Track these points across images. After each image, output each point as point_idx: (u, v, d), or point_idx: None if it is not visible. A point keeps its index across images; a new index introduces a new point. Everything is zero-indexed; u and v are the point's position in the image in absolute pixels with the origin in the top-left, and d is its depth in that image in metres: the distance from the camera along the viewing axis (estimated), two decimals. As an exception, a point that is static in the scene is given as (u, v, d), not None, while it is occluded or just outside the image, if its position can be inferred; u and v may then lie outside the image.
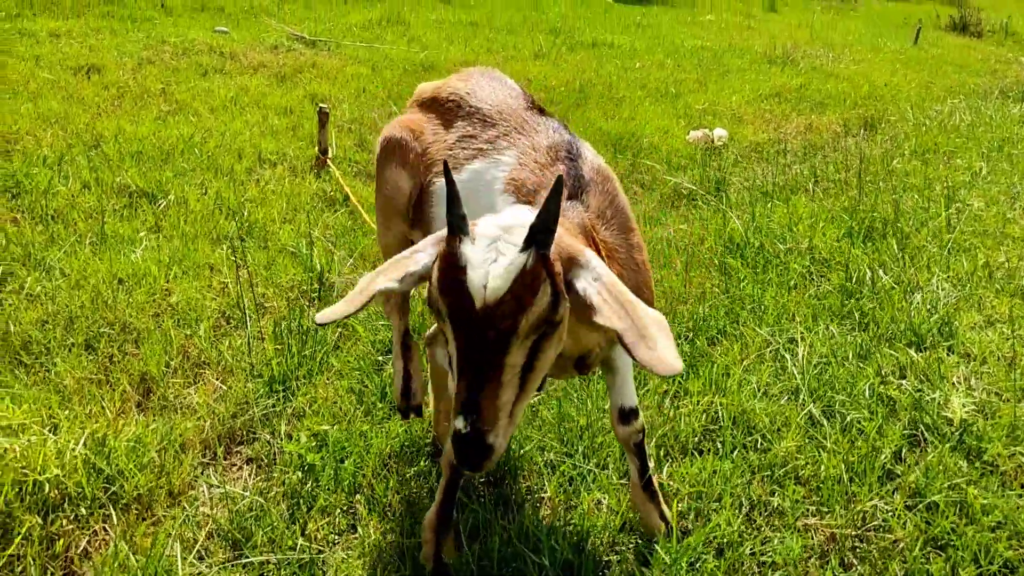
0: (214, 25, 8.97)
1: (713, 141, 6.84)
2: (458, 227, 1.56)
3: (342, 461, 2.56)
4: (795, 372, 2.96)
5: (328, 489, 2.47)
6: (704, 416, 2.77)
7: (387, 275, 1.65)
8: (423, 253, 1.67)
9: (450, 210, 1.56)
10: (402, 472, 2.58)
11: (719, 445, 2.65)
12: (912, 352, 3.09)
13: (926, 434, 2.64)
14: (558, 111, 7.18)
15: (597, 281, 1.60)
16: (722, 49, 10.96)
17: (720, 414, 2.76)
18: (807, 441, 2.66)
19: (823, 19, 15.39)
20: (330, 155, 5.34)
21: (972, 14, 16.45)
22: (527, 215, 1.63)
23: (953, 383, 2.91)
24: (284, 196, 4.70)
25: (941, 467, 2.46)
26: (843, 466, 2.49)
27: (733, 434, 2.68)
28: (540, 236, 1.52)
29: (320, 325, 1.45)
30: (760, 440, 2.67)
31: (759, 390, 2.91)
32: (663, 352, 1.50)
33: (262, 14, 9.64)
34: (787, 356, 3.10)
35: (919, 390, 2.83)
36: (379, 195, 2.51)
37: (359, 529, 2.35)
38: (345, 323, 3.34)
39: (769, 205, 4.85)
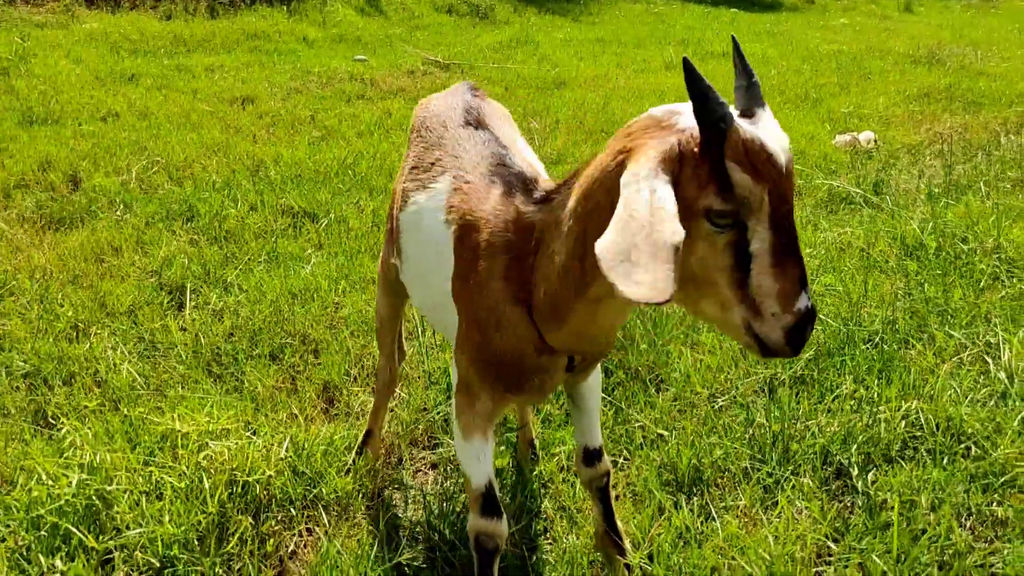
0: (353, 55, 9.30)
1: (862, 144, 6.57)
2: (728, 116, 1.37)
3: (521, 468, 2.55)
4: (1001, 376, 2.76)
5: (511, 493, 2.45)
6: (905, 423, 2.61)
7: (666, 224, 1.32)
8: (662, 189, 1.35)
9: (711, 103, 1.36)
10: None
11: (925, 454, 2.49)
12: None
13: None
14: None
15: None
16: (860, 52, 10.56)
17: (922, 420, 2.59)
18: (1024, 448, 2.47)
19: (963, 18, 14.64)
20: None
21: None
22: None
23: None
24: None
25: None
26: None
27: (941, 441, 2.51)
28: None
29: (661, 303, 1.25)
30: (972, 448, 2.49)
31: (962, 395, 2.72)
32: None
33: (396, 41, 9.94)
34: (988, 360, 2.90)
35: None
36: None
37: (549, 533, 2.33)
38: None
39: (941, 205, 4.59)
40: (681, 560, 2.14)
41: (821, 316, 3.26)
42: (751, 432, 2.63)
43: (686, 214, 1.37)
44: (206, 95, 7.31)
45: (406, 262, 2.09)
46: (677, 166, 1.39)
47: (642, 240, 1.30)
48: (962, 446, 2.51)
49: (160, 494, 2.29)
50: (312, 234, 4.38)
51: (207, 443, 2.42)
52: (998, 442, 2.49)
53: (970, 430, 2.53)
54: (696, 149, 1.38)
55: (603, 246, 1.31)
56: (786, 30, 12.31)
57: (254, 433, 2.59)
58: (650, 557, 2.19)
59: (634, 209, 1.33)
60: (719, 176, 1.36)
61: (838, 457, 2.49)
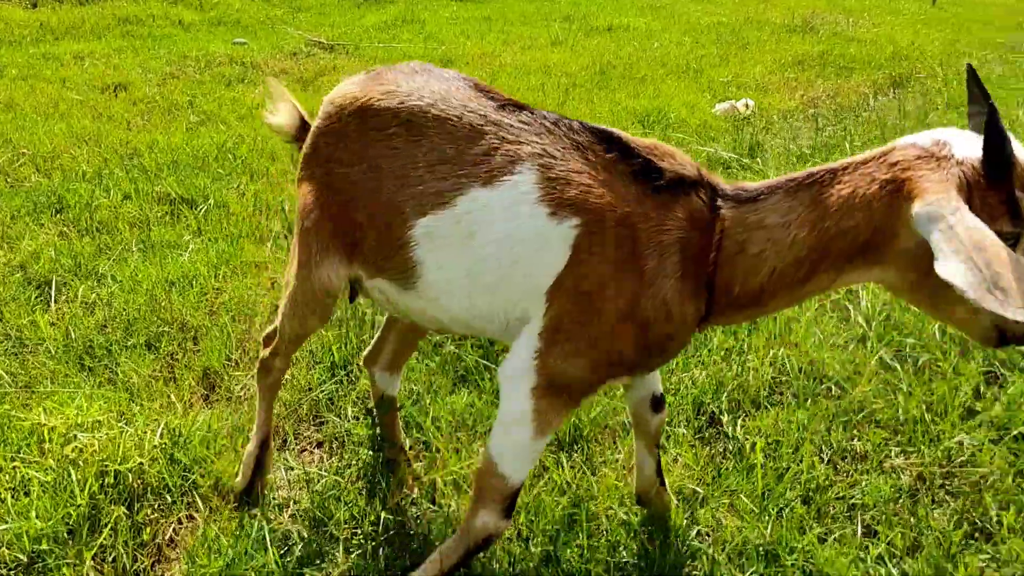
0: (232, 37, 9.03)
1: (740, 111, 6.79)
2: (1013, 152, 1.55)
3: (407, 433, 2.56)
4: (860, 320, 2.92)
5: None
6: (772, 368, 2.74)
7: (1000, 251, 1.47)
8: (982, 223, 1.50)
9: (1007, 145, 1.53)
10: (476, 439, 2.57)
11: (791, 397, 2.62)
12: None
13: (1002, 369, 2.59)
14: (581, 93, 7.16)
15: None
16: (739, 23, 10.87)
17: (788, 365, 2.72)
18: (882, 386, 2.62)
19: (837, -14, 15.21)
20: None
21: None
22: None
23: None
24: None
25: (1023, 399, 2.41)
26: (923, 407, 2.45)
27: (804, 384, 2.65)
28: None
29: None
30: (833, 388, 2.63)
31: (825, 340, 2.87)
32: None
33: (278, 23, 9.70)
34: (849, 306, 3.06)
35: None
36: None
37: (437, 501, 2.35)
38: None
39: (808, 165, 4.78)
40: (562, 512, 2.20)
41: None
42: (629, 389, 2.71)
43: None
44: (75, 84, 6.99)
45: (434, 272, 1.90)
46: (967, 195, 1.54)
47: (1003, 271, 1.44)
48: (824, 387, 2.65)
49: (27, 490, 2.21)
50: (191, 220, 4.26)
51: (76, 436, 2.34)
52: (857, 382, 2.63)
53: (831, 372, 2.67)
54: (981, 179, 1.56)
55: (970, 279, 1.44)
56: (669, 4, 12.56)
57: (127, 423, 2.52)
58: (535, 513, 2.24)
59: (986, 242, 1.47)
60: (1011, 204, 1.55)
61: (710, 406, 2.59)
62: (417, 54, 8.51)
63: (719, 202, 1.76)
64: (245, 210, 4.40)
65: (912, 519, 2.11)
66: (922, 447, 2.32)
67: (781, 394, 2.66)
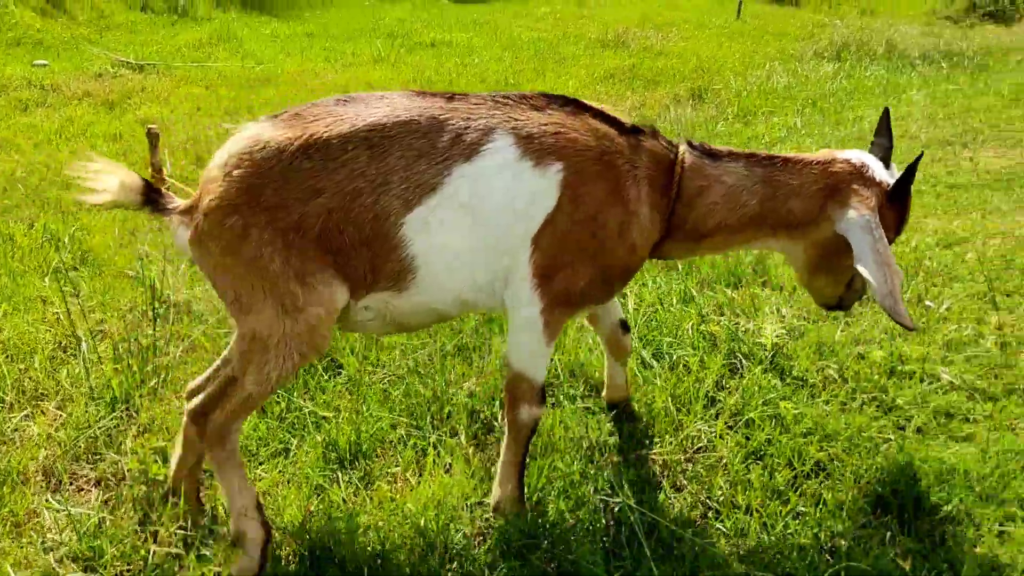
0: (32, 59, 8.56)
1: (553, 125, 7.07)
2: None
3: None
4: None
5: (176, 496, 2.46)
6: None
7: (896, 269, 2.08)
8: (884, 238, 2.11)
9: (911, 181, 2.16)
10: (256, 468, 2.60)
11: (561, 397, 2.80)
12: (729, 291, 3.33)
13: (744, 361, 2.86)
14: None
15: None
16: (557, 38, 11.27)
17: (558, 369, 2.90)
18: (641, 383, 2.84)
19: (653, 2, 16.01)
20: (166, 174, 5.23)
21: (785, -14, 17.43)
22: None
23: (766, 313, 3.16)
24: (119, 221, 4.58)
25: (757, 387, 2.68)
26: (670, 399, 2.68)
27: (572, 385, 2.83)
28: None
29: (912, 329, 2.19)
30: (597, 389, 2.83)
31: (594, 344, 3.07)
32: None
33: (83, 43, 9.27)
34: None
35: (736, 323, 3.06)
36: None
37: (214, 530, 2.36)
38: (189, 335, 3.31)
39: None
40: (340, 528, 2.26)
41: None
42: (412, 402, 2.81)
43: None
44: None
45: (434, 259, 2.09)
46: (878, 210, 2.14)
47: (897, 284, 2.05)
48: (591, 387, 2.84)
49: None
50: (-29, 257, 4.04)
51: None
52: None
53: (596, 373, 2.87)
54: (885, 200, 2.17)
55: (882, 287, 2.04)
56: (492, 20, 12.86)
57: None
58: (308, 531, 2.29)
59: (890, 258, 2.06)
60: (900, 221, 2.22)
61: (485, 413, 2.73)
62: (233, 73, 8.37)
63: (680, 148, 2.20)
64: (33, 243, 4.23)
65: (650, 504, 2.31)
66: (667, 437, 2.54)
67: (553, 395, 2.83)
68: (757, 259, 3.57)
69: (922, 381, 2.75)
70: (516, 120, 2.09)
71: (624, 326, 2.61)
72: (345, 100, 2.14)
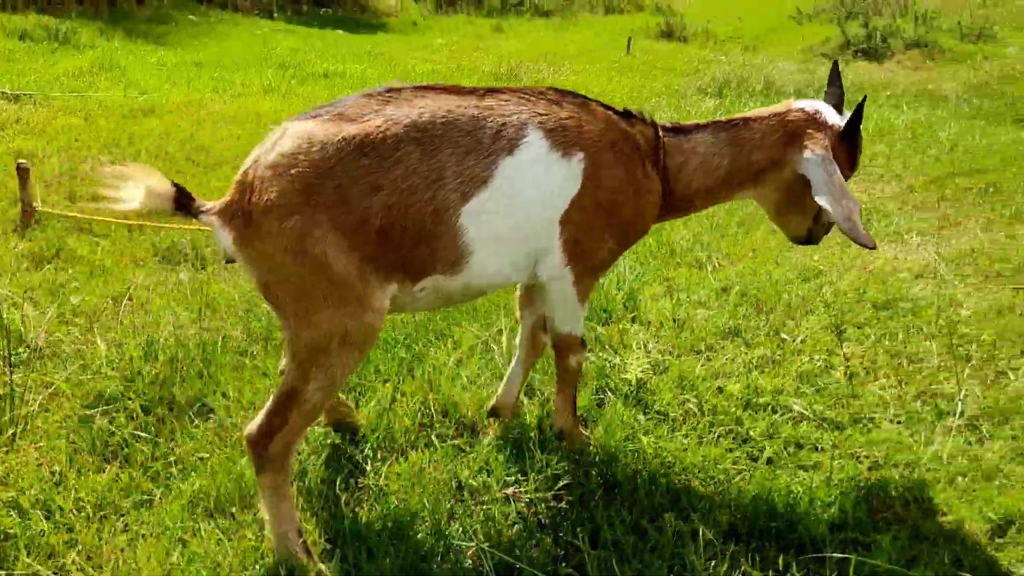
0: None
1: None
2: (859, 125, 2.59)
3: (48, 518, 2.48)
4: (498, 360, 3.20)
5: (30, 550, 2.37)
6: (419, 414, 2.93)
7: (852, 199, 2.45)
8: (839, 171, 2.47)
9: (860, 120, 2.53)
10: (117, 520, 2.53)
11: (434, 438, 2.82)
12: (599, 327, 3.44)
13: (611, 396, 2.96)
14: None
15: None
16: (452, 71, 11.39)
17: (431, 409, 2.93)
18: (513, 420, 2.90)
19: (546, 36, 16.39)
20: (37, 210, 5.04)
21: (677, 21, 18.13)
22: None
23: (633, 348, 3.27)
24: (-23, 261, 4.39)
25: (620, 421, 2.77)
26: (538, 435, 2.74)
27: (445, 425, 2.86)
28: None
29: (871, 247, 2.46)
30: (471, 428, 2.87)
31: (469, 382, 3.12)
32: None
33: (-47, 71, 8.84)
34: (495, 347, 3.34)
35: (604, 359, 3.16)
36: None
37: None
38: (52, 382, 3.20)
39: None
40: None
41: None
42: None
43: None
44: None
45: (485, 246, 2.31)
46: (832, 149, 2.48)
47: (855, 210, 2.40)
48: (463, 427, 2.88)
49: None
50: None
51: None
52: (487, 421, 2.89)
53: (467, 412, 2.91)
54: (837, 140, 2.52)
55: (840, 213, 2.40)
56: (387, 51, 12.89)
57: None
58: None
59: (845, 188, 2.43)
60: (852, 158, 2.59)
61: (356, 456, 2.74)
62: (115, 103, 8.12)
63: (659, 131, 2.56)
64: None
65: (507, 546, 2.36)
66: (532, 474, 2.59)
67: (426, 435, 2.86)
68: (627, 295, 3.70)
69: (775, 412, 2.90)
70: (541, 115, 2.36)
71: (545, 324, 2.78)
72: (385, 98, 2.27)
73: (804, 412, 2.89)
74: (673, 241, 4.47)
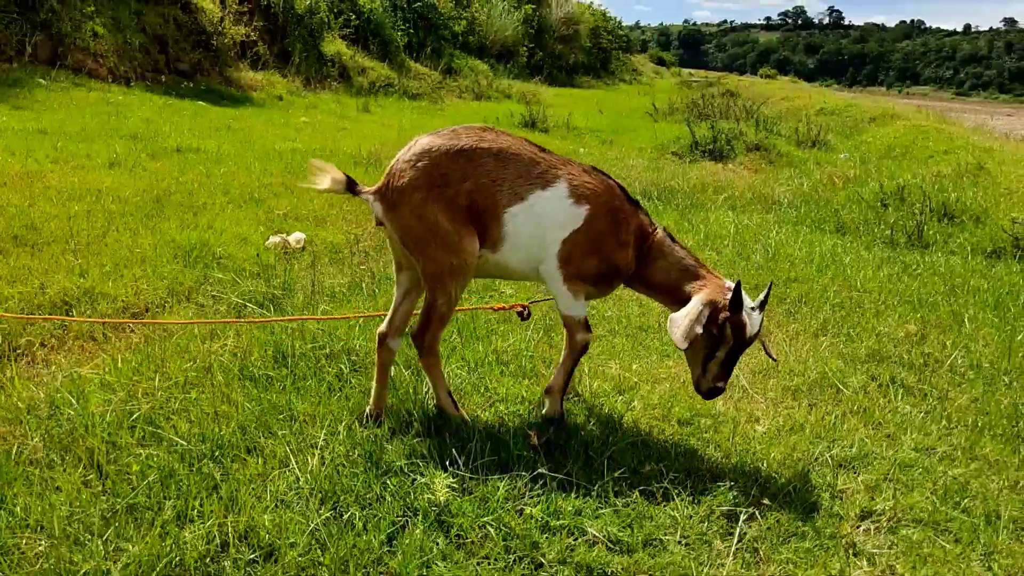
0: None
1: (291, 245, 7.08)
2: (740, 307, 3.50)
3: None
4: (309, 478, 3.17)
5: None
6: (215, 538, 2.85)
7: (699, 325, 3.49)
8: (704, 313, 3.52)
9: (737, 301, 3.49)
10: None
11: (226, 565, 2.75)
12: (418, 440, 3.47)
13: (413, 518, 2.98)
14: (129, 223, 6.97)
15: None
16: (313, 151, 11.38)
17: (229, 533, 2.86)
18: (315, 544, 2.86)
19: (411, 119, 16.69)
20: None
21: (540, 111, 18.85)
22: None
23: (445, 465, 3.32)
24: None
25: (417, 547, 2.79)
26: (337, 562, 2.72)
27: (240, 551, 2.80)
28: (761, 307, 3.60)
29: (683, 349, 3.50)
30: (270, 553, 2.82)
31: (275, 500, 3.07)
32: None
33: None
34: (309, 461, 3.31)
35: (413, 478, 3.18)
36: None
37: None
38: None
39: (326, 308, 5.16)
40: None
41: (172, 437, 3.43)
42: (61, 572, 2.65)
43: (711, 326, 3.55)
44: None
45: (513, 239, 3.58)
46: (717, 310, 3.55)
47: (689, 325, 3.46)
48: (262, 552, 2.82)
49: None
50: None
51: None
52: (292, 542, 2.85)
53: (267, 536, 2.86)
54: (727, 311, 3.52)
55: (674, 332, 3.48)
56: (247, 126, 12.78)
57: None
58: None
59: (694, 325, 3.47)
60: (738, 329, 3.53)
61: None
62: (-60, 172, 7.67)
63: (658, 230, 3.80)
64: None
65: None
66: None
67: (219, 563, 2.78)
68: (438, 414, 3.77)
69: (571, 535, 2.99)
70: (572, 175, 3.62)
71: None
72: (484, 128, 3.63)
73: (598, 535, 2.99)
74: (500, 349, 4.59)
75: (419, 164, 3.42)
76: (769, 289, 3.70)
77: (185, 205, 7.81)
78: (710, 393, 3.65)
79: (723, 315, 3.49)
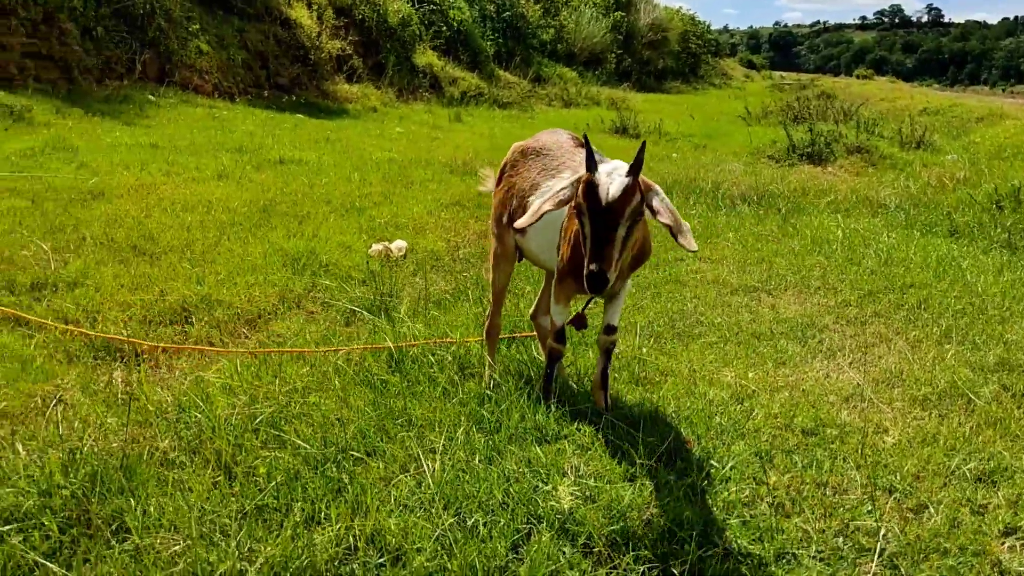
0: None
1: (393, 253, 7.18)
2: (594, 168, 3.05)
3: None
4: (431, 483, 3.18)
5: None
6: (343, 541, 2.88)
7: (550, 202, 3.27)
8: (566, 190, 3.26)
9: (589, 162, 3.05)
10: None
11: (355, 567, 2.77)
12: (536, 448, 3.44)
13: (537, 525, 2.94)
14: (239, 232, 7.18)
15: (659, 198, 3.17)
16: (408, 161, 11.55)
17: (357, 536, 2.88)
18: (440, 549, 2.86)
19: (503, 127, 16.77)
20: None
21: (631, 117, 18.70)
22: (622, 164, 3.14)
23: (566, 473, 3.27)
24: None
25: (544, 555, 2.75)
26: (464, 568, 2.70)
27: (368, 555, 2.82)
28: (633, 170, 3.05)
29: (517, 230, 3.48)
30: (397, 557, 2.82)
31: (399, 505, 3.08)
32: (691, 239, 3.10)
33: (-100, 146, 8.75)
34: (428, 466, 3.32)
35: (535, 485, 3.15)
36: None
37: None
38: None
39: (433, 314, 5.19)
40: None
41: (296, 440, 3.49)
42: (196, 572, 2.71)
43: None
44: None
45: (531, 230, 3.62)
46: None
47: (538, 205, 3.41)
48: (389, 556, 2.83)
49: None
50: None
51: None
52: (419, 547, 2.85)
53: (393, 540, 2.87)
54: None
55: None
56: (345, 137, 13.07)
57: None
58: None
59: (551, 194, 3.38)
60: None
61: (275, 587, 2.67)
62: (64, 185, 8.08)
63: None
64: None
65: None
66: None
67: (349, 565, 2.80)
68: (558, 414, 3.72)
69: (700, 547, 2.91)
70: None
71: (607, 329, 3.81)
72: (552, 133, 4.12)
73: (728, 548, 2.90)
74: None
75: (507, 160, 4.14)
76: (642, 149, 3.01)
77: (290, 215, 8.01)
78: (588, 282, 3.01)
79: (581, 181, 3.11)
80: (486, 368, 4.20)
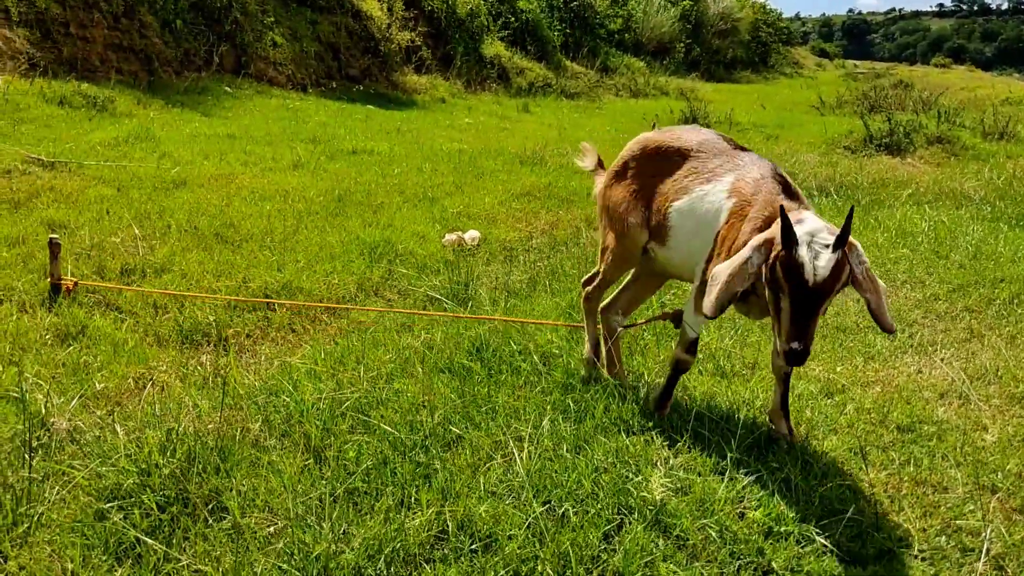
0: (-63, 150, 8.34)
1: (467, 243, 7.20)
2: (793, 241, 2.78)
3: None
4: (520, 470, 3.17)
5: None
6: (434, 525, 2.89)
7: (738, 279, 2.99)
8: (752, 259, 2.97)
9: (787, 234, 2.77)
10: None
11: (447, 552, 2.78)
12: (625, 437, 3.41)
13: (628, 516, 2.91)
14: (316, 221, 7.29)
15: (861, 264, 2.91)
16: (478, 152, 11.56)
17: (448, 522, 2.89)
18: (531, 537, 2.85)
19: (571, 118, 16.68)
20: (66, 286, 5.11)
21: (701, 107, 18.40)
22: (817, 224, 2.88)
23: (656, 464, 3.23)
24: (9, 337, 4.43)
25: (638, 546, 2.72)
26: (557, 557, 2.69)
27: (460, 540, 2.82)
28: (840, 241, 2.77)
29: (710, 318, 3.09)
30: (489, 544, 2.82)
31: (487, 492, 3.08)
32: (890, 319, 2.95)
33: (-6, 136, 9.08)
34: (515, 454, 3.31)
35: (625, 475, 3.12)
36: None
37: None
38: (70, 474, 3.19)
39: (512, 303, 5.19)
40: None
41: (383, 425, 3.52)
42: (293, 552, 2.75)
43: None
44: None
45: (678, 232, 3.53)
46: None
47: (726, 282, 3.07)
48: (480, 543, 2.83)
49: None
50: None
51: None
52: (511, 535, 2.84)
53: (484, 527, 2.87)
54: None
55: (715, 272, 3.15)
56: (415, 128, 13.14)
57: None
58: None
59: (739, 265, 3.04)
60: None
61: (369, 571, 2.69)
62: (148, 174, 8.29)
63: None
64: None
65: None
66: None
67: (441, 550, 2.81)
68: (643, 408, 3.68)
69: (798, 543, 2.84)
70: (741, 171, 3.40)
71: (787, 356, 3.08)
72: (690, 129, 3.79)
73: (827, 544, 2.83)
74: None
75: (627, 155, 3.85)
76: (850, 215, 2.77)
77: (365, 204, 8.10)
78: (787, 357, 2.85)
79: (774, 254, 2.86)
80: (586, 339, 4.16)
